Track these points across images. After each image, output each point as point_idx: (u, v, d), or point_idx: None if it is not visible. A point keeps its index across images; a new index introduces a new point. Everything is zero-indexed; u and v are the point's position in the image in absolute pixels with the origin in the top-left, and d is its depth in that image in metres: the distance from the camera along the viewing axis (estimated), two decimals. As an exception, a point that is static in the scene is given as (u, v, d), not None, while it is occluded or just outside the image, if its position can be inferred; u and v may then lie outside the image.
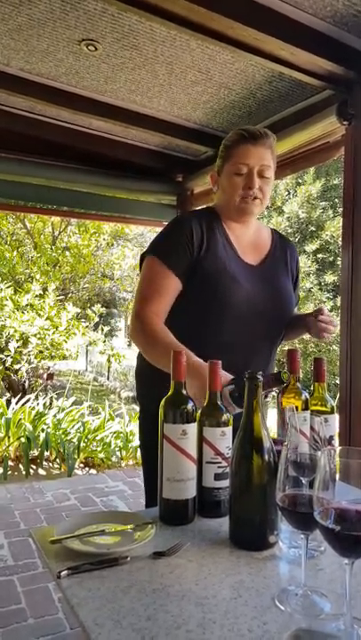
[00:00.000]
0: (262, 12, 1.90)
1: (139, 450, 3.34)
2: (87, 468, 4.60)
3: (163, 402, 1.18)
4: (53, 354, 6.66)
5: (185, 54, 2.30)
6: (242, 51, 2.06)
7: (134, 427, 5.01)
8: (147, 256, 1.56)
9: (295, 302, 1.76)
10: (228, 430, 1.20)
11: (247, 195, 1.55)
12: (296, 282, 1.76)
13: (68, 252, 8.57)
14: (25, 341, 6.44)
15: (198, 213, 1.67)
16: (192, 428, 1.16)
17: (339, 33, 2.03)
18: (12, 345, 6.30)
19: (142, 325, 1.47)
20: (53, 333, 6.52)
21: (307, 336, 1.88)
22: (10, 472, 4.35)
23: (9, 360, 6.37)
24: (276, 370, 1.03)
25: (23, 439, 4.49)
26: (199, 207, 1.70)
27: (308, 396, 1.32)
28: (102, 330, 7.64)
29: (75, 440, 4.74)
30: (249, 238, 1.65)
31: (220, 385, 1.22)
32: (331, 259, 9.94)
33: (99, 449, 4.74)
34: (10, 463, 4.50)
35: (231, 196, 1.57)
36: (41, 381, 7.13)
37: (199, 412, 1.21)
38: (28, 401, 5.23)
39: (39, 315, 6.56)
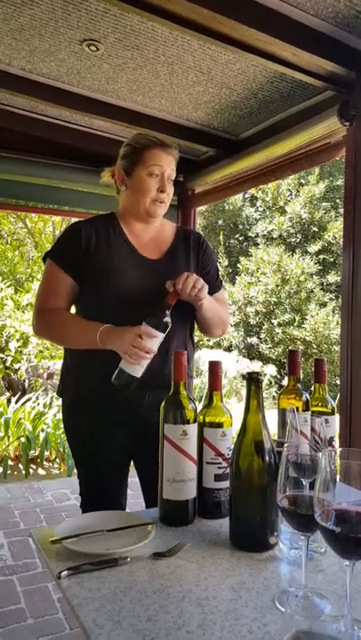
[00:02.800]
0: (264, 12, 1.90)
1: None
2: (87, 468, 4.59)
3: (163, 403, 1.18)
4: (53, 353, 6.66)
5: (186, 54, 2.30)
6: (243, 51, 2.05)
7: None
8: (46, 259, 1.70)
9: (214, 286, 1.78)
10: (229, 431, 1.20)
11: (158, 197, 1.64)
12: (209, 266, 1.79)
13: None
14: (25, 341, 6.44)
15: (94, 218, 1.77)
16: (193, 429, 1.16)
17: (340, 34, 2.03)
18: (13, 344, 6.29)
19: (41, 320, 1.66)
20: (54, 333, 6.49)
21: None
22: (10, 471, 4.35)
23: (9, 359, 6.37)
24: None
25: (23, 439, 4.49)
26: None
27: (308, 397, 1.32)
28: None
29: (75, 440, 4.72)
30: (150, 235, 1.72)
31: (220, 386, 1.23)
32: (333, 259, 9.94)
33: (99, 449, 4.73)
34: (10, 463, 4.49)
35: (143, 197, 1.64)
36: (41, 381, 7.13)
37: (200, 412, 1.21)
38: (28, 400, 5.23)
39: (40, 314, 6.54)
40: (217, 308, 1.73)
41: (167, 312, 1.48)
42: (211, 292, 1.75)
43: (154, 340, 1.45)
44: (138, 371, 1.46)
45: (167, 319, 1.47)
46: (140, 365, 1.45)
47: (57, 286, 1.65)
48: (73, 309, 1.73)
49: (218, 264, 1.90)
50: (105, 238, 1.65)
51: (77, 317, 1.67)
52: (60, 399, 1.78)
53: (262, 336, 9.59)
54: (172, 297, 1.50)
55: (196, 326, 1.79)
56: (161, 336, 1.46)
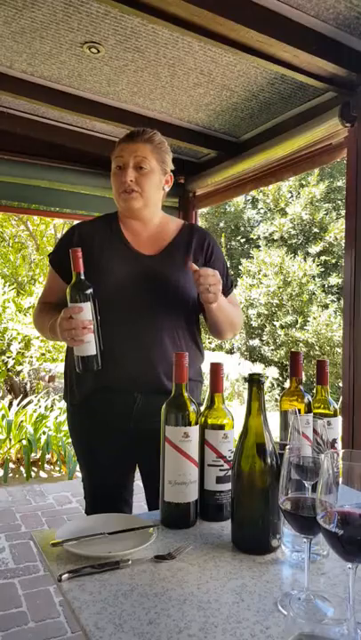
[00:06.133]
0: (265, 14, 1.90)
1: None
2: (89, 471, 4.58)
3: (165, 405, 1.18)
4: (55, 356, 6.66)
5: (187, 56, 2.30)
6: (244, 53, 2.06)
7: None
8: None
9: (224, 287, 1.71)
10: (231, 433, 1.20)
11: (123, 189, 1.60)
12: (216, 266, 1.70)
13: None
14: (27, 344, 6.44)
15: (97, 218, 1.78)
16: (194, 431, 1.16)
17: (341, 35, 2.03)
18: (15, 347, 6.30)
19: (35, 312, 1.77)
20: (55, 336, 6.49)
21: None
22: (11, 474, 4.35)
23: (11, 362, 6.37)
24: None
25: (24, 441, 4.49)
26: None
27: (310, 399, 1.32)
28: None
29: (76, 442, 4.72)
30: (149, 233, 1.68)
31: (222, 387, 1.22)
32: (334, 261, 9.93)
33: (100, 451, 4.72)
34: (11, 465, 4.49)
35: (115, 192, 1.64)
36: (43, 384, 7.13)
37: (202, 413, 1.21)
38: (29, 403, 5.23)
39: (41, 317, 6.54)
40: (229, 310, 1.67)
41: (81, 278, 1.44)
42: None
43: (83, 313, 1.42)
44: (89, 348, 1.43)
45: (88, 290, 1.44)
46: (87, 342, 1.42)
47: (52, 285, 1.74)
48: None
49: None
50: (101, 238, 1.65)
51: (50, 312, 1.66)
52: (63, 402, 1.79)
53: (264, 338, 9.58)
54: (78, 262, 1.45)
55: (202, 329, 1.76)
56: (87, 305, 1.43)
